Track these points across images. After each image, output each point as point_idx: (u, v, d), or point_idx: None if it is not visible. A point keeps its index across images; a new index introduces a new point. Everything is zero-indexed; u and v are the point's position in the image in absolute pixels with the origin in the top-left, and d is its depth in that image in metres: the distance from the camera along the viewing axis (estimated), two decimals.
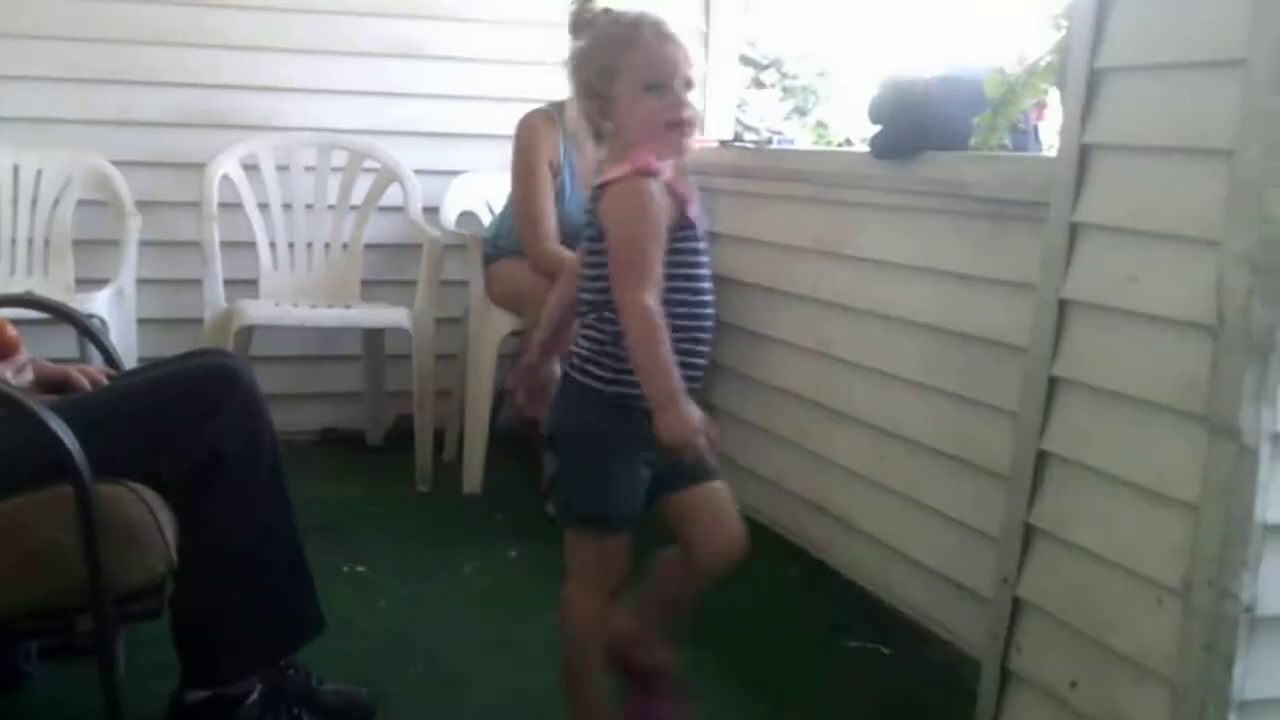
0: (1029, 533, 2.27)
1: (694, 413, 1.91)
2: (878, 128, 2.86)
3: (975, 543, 2.52)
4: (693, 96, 2.05)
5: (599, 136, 2.11)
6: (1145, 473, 2.01)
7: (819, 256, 3.21)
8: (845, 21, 9.65)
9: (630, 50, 2.06)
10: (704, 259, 2.09)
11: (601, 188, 2.04)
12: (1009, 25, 2.63)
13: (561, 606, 2.14)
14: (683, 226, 2.02)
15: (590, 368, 2.05)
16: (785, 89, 10.12)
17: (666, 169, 2.02)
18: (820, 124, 4.22)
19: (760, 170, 3.58)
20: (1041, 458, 2.24)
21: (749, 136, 4.05)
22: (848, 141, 3.74)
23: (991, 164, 2.56)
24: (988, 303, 2.54)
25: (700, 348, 2.09)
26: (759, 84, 10.12)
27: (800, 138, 4.10)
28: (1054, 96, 2.52)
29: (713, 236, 3.78)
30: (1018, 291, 2.38)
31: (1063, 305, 2.20)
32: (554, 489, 2.16)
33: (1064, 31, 2.41)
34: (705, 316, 2.09)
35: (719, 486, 2.17)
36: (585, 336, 2.07)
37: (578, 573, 2.12)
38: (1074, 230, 2.19)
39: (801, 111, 9.14)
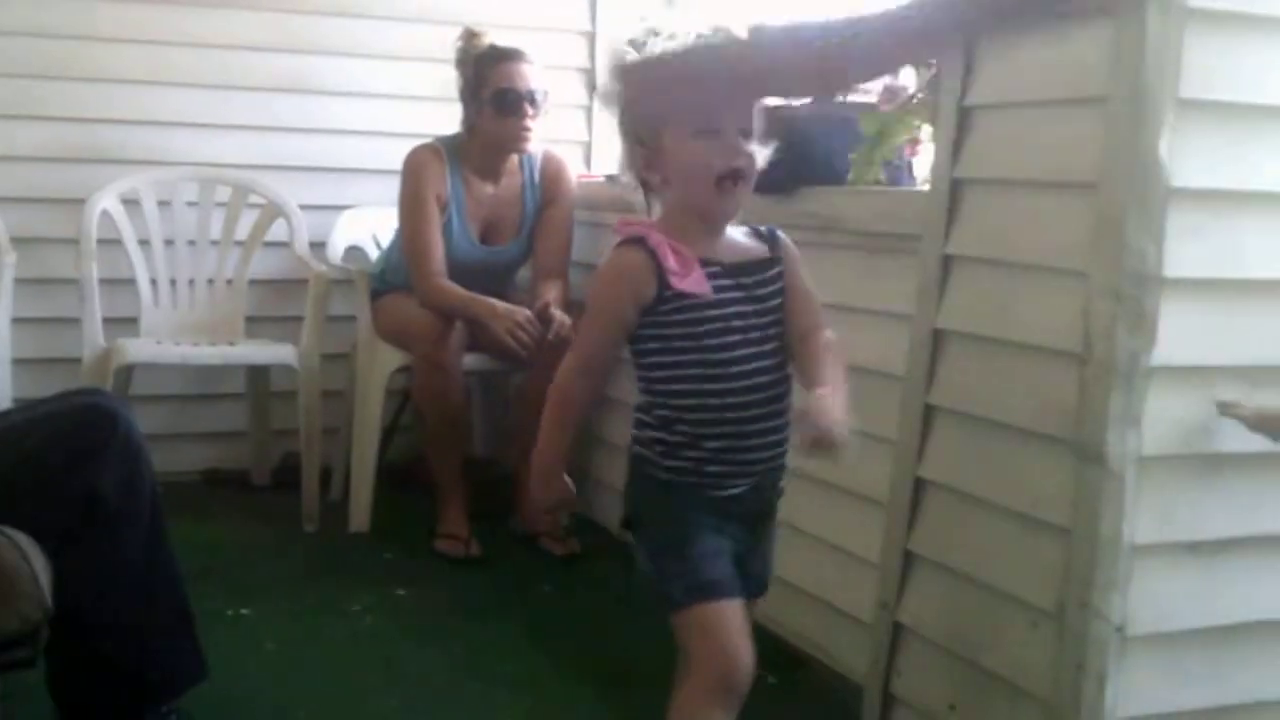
0: (908, 559, 2.32)
1: (556, 486, 1.98)
2: None
3: (857, 569, 2.56)
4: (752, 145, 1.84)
5: (646, 188, 1.92)
6: (1018, 498, 2.06)
7: None
8: None
9: (675, 87, 1.84)
10: (722, 333, 1.84)
11: None
12: None
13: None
14: (665, 300, 1.82)
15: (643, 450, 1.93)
16: None
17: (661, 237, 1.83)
18: None
19: (639, 206, 3.60)
20: (919, 484, 2.30)
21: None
22: None
23: (867, 198, 2.62)
24: (865, 333, 2.58)
25: (735, 429, 1.85)
26: None
27: None
28: (927, 132, 2.58)
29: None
30: (894, 322, 2.44)
31: (937, 335, 2.26)
32: (647, 579, 1.92)
33: (935, 69, 2.48)
34: (733, 393, 1.84)
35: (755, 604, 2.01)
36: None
37: (695, 671, 1.86)
38: (947, 262, 2.26)
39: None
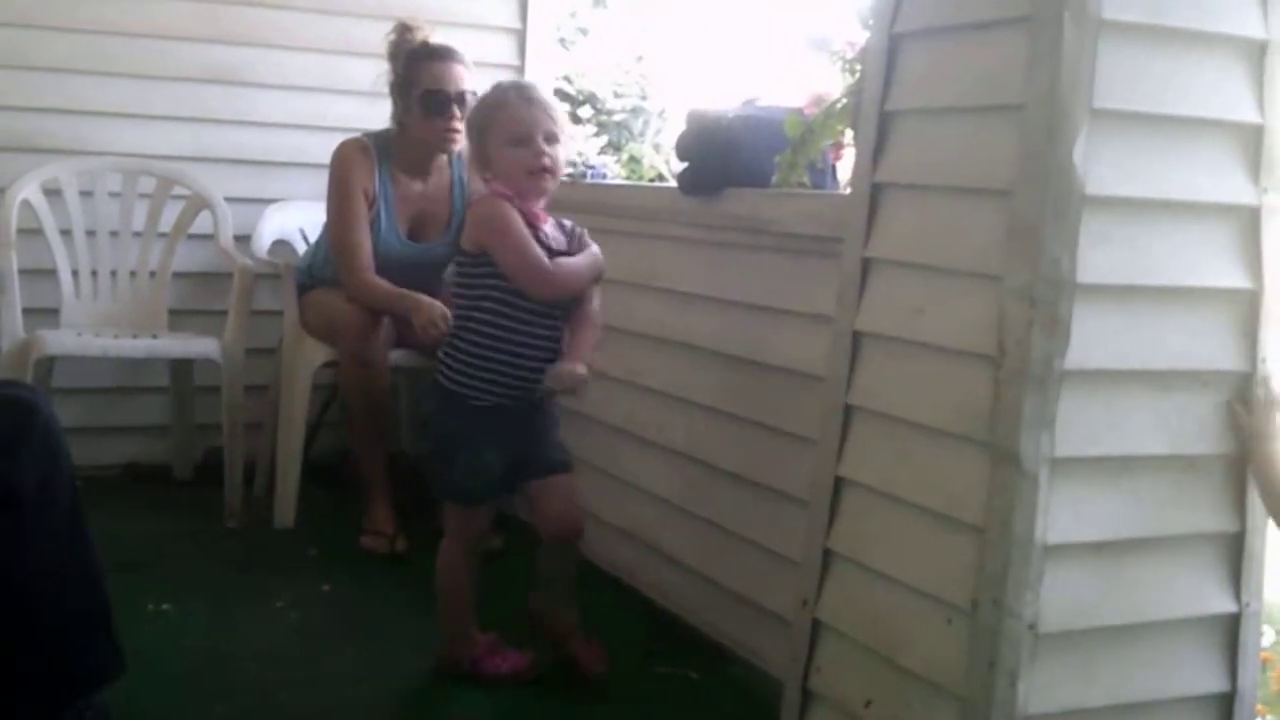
0: (828, 557, 2.34)
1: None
2: (685, 164, 2.94)
3: (778, 567, 2.59)
4: (557, 149, 2.57)
5: (486, 183, 2.64)
6: (934, 497, 2.10)
7: (629, 288, 3.26)
8: (658, 58, 9.84)
9: (499, 113, 2.58)
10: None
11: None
12: (806, 68, 2.73)
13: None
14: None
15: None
16: (600, 124, 10.27)
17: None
18: (633, 159, 4.28)
19: (574, 204, 3.59)
20: (839, 484, 2.32)
21: (565, 170, 4.09)
22: (660, 177, 3.82)
23: (790, 201, 2.65)
24: (788, 334, 2.62)
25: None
26: (575, 119, 10.25)
27: (615, 172, 4.15)
28: (850, 136, 2.62)
29: None
30: (816, 323, 2.47)
31: (857, 336, 2.29)
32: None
33: (858, 75, 2.52)
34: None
35: (564, 478, 2.67)
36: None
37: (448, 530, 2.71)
38: (866, 265, 2.29)
39: (616, 146, 9.27)
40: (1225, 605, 2.07)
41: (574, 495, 2.70)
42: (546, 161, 2.54)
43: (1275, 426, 2.00)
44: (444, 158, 3.68)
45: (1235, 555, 2.06)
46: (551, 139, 2.56)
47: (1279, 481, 1.96)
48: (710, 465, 2.88)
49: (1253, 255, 1.99)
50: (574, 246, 2.66)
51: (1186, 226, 2.00)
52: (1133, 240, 1.96)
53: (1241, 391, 2.02)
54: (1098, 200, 1.91)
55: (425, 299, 3.43)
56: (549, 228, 2.62)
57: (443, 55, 3.58)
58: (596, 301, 2.69)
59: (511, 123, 2.55)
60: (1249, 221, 1.99)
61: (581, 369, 2.55)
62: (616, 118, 10.38)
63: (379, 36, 3.67)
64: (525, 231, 2.53)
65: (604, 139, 10.16)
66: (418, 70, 3.57)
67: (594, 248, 2.70)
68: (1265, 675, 2.45)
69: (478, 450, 2.56)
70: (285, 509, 3.64)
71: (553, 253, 2.58)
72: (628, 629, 3.07)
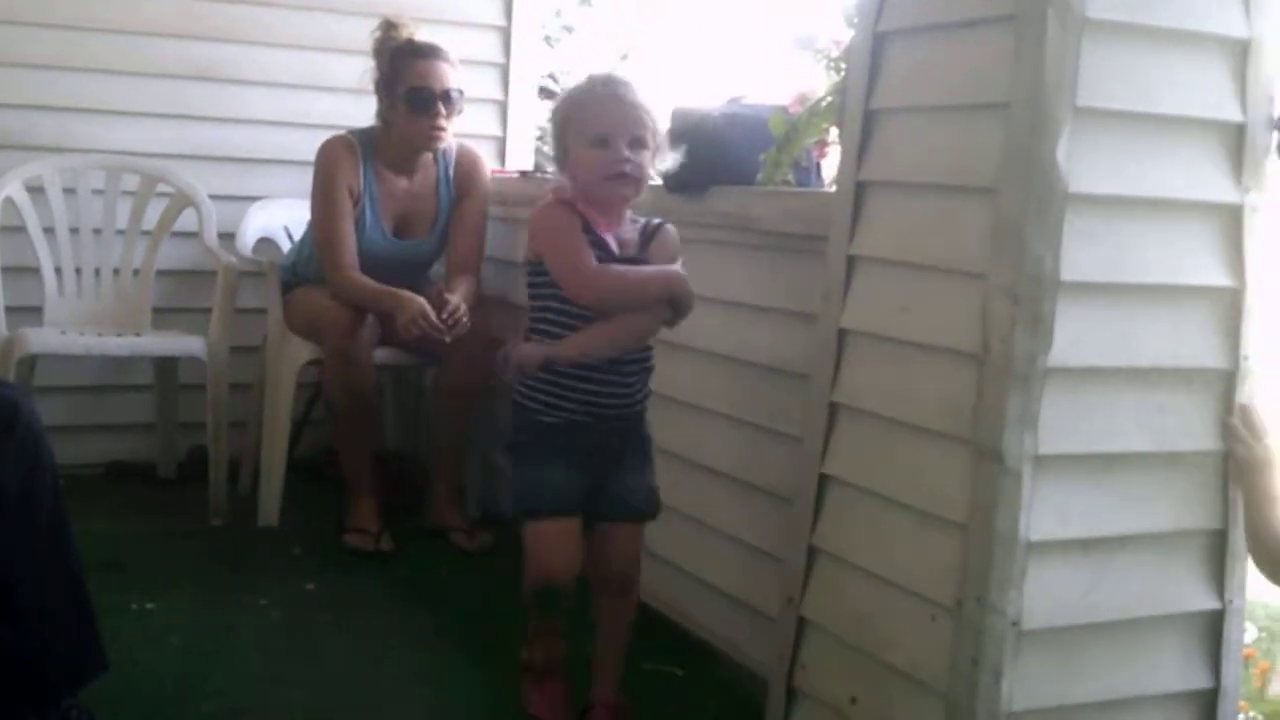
0: (812, 554, 2.35)
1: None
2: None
3: (763, 565, 2.59)
4: (643, 156, 2.33)
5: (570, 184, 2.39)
6: (918, 495, 2.10)
7: None
8: (643, 56, 9.83)
9: (580, 110, 2.35)
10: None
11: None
12: (791, 66, 2.73)
13: None
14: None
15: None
16: None
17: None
18: None
19: None
20: (823, 481, 2.33)
21: (550, 168, 4.09)
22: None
23: (776, 199, 2.65)
24: (773, 332, 2.62)
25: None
26: None
27: None
28: (835, 134, 2.62)
29: (513, 266, 3.83)
30: (801, 321, 2.47)
31: (841, 334, 2.30)
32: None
33: (842, 74, 2.52)
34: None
35: (633, 529, 2.46)
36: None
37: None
38: (851, 263, 2.29)
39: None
40: (1208, 602, 2.08)
41: (635, 546, 2.46)
42: (627, 168, 2.29)
43: (1266, 454, 2.01)
44: (429, 155, 3.68)
45: (1219, 552, 2.07)
46: (638, 144, 2.31)
47: (1263, 520, 1.97)
48: (696, 463, 2.88)
49: (1235, 253, 2.00)
50: (654, 256, 2.41)
51: (1169, 224, 2.01)
52: (1116, 238, 1.96)
53: (1239, 416, 2.04)
54: (1081, 198, 1.92)
55: (408, 296, 3.42)
56: (626, 234, 2.39)
57: (428, 53, 3.57)
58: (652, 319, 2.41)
59: (594, 121, 2.31)
60: (1231, 220, 2.00)
61: (535, 353, 2.35)
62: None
63: (364, 33, 3.66)
64: (576, 236, 2.31)
65: None
66: (403, 67, 3.57)
67: (676, 263, 2.43)
68: (1248, 671, 2.46)
69: (546, 463, 2.36)
70: (269, 507, 3.63)
71: (615, 260, 2.35)
72: None
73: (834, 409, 2.32)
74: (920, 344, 2.10)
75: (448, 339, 3.38)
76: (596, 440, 2.38)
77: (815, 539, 2.34)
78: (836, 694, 2.26)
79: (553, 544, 2.37)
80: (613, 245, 2.35)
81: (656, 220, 2.45)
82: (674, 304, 2.39)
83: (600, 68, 2.54)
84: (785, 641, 2.39)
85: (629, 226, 2.41)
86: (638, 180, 2.32)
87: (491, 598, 3.23)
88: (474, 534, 3.57)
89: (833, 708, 2.27)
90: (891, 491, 2.16)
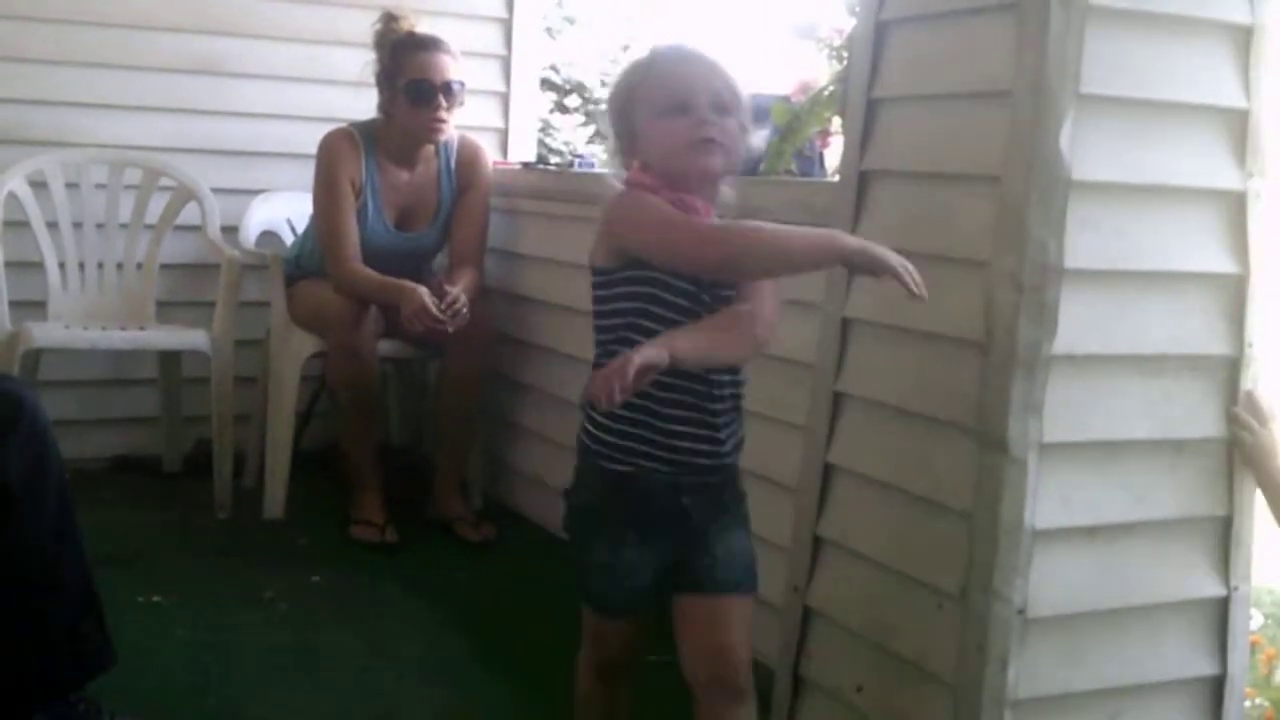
0: (818, 543, 2.35)
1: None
2: None
3: (768, 554, 2.56)
4: (729, 122, 1.86)
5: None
6: (923, 483, 2.10)
7: None
8: (647, 46, 9.84)
9: (646, 77, 1.92)
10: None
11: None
12: (793, 55, 2.73)
13: None
14: None
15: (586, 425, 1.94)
16: (588, 113, 10.28)
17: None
18: None
19: (563, 193, 3.62)
20: (828, 470, 2.33)
21: (553, 160, 4.10)
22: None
23: (779, 188, 2.64)
24: (779, 322, 2.61)
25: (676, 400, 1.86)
26: (562, 108, 10.24)
27: (603, 162, 4.14)
28: (838, 124, 2.62)
29: (516, 257, 3.83)
30: (805, 311, 2.46)
31: (845, 323, 2.30)
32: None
33: (844, 63, 2.52)
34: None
35: (731, 602, 1.96)
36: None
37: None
38: None
39: (604, 136, 9.28)
40: (1214, 589, 2.08)
41: (733, 634, 1.95)
42: (714, 132, 1.84)
43: (1272, 440, 2.01)
44: (431, 147, 3.68)
45: (1224, 539, 2.07)
46: (722, 107, 1.85)
47: None
48: None
49: (1239, 239, 2.00)
50: None
51: (1173, 211, 2.00)
52: (1119, 225, 1.96)
53: (1244, 403, 2.03)
54: (1084, 186, 1.91)
55: (411, 287, 3.42)
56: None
57: (429, 45, 3.57)
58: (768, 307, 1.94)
59: (663, 85, 1.88)
60: (1235, 206, 2.00)
61: (652, 356, 1.74)
62: (604, 107, 10.40)
63: (365, 26, 3.66)
64: (666, 205, 1.84)
65: (592, 128, 10.19)
66: (403, 60, 3.57)
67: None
68: (1254, 658, 2.46)
69: (617, 540, 1.90)
70: (275, 500, 3.64)
71: None
72: None
73: (838, 398, 2.32)
74: (924, 332, 2.10)
75: (450, 330, 3.38)
76: (678, 502, 1.89)
77: (821, 528, 2.34)
78: (842, 682, 2.26)
79: (616, 639, 2.05)
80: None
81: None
82: (850, 264, 1.87)
83: (649, 44, 2.02)
84: (791, 631, 2.39)
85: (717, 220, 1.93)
86: (727, 149, 1.87)
87: (496, 589, 3.24)
88: (479, 525, 3.57)
89: (839, 696, 2.28)
90: (896, 480, 2.16)
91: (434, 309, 3.36)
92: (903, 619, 2.14)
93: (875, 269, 1.79)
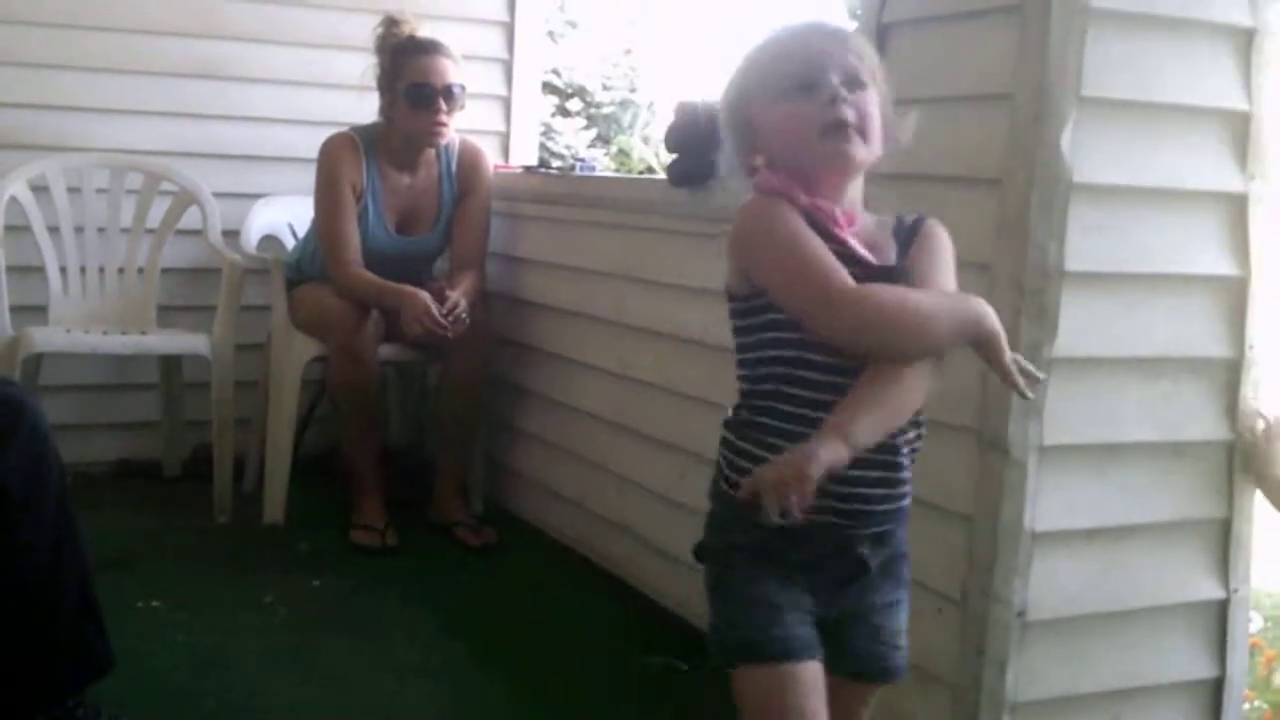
0: None
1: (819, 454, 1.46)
2: (674, 156, 2.94)
3: None
4: (865, 97, 1.57)
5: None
6: (923, 485, 2.07)
7: (621, 280, 3.26)
8: (647, 51, 9.85)
9: (759, 57, 1.63)
10: None
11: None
12: None
13: None
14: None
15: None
16: (590, 117, 10.31)
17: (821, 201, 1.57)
18: (622, 151, 4.28)
19: (564, 196, 3.62)
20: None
21: (555, 163, 4.09)
22: (649, 169, 3.82)
23: None
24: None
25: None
26: (564, 112, 10.28)
27: (604, 165, 4.15)
28: None
29: (518, 262, 3.83)
30: None
31: None
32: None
33: None
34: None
35: (870, 691, 1.72)
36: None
37: None
38: None
39: (605, 139, 9.30)
40: (1214, 591, 2.08)
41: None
42: (847, 112, 1.55)
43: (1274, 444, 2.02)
44: (432, 151, 3.68)
45: (1223, 541, 2.07)
46: (855, 82, 1.57)
47: None
48: (701, 457, 2.86)
49: (1240, 242, 2.00)
50: (920, 267, 1.61)
51: (1174, 214, 2.00)
52: (1121, 228, 1.96)
53: (1248, 419, 2.04)
54: (1086, 188, 1.92)
55: (411, 291, 3.42)
56: (866, 229, 1.62)
57: (429, 49, 3.57)
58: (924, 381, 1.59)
59: (782, 61, 1.59)
60: (1237, 208, 2.00)
61: (832, 453, 1.46)
62: (605, 111, 10.42)
63: (366, 30, 3.66)
64: (807, 240, 1.54)
65: (593, 132, 10.22)
66: (404, 63, 3.57)
67: (950, 276, 1.65)
68: (1253, 661, 2.46)
69: (761, 579, 1.60)
70: (275, 505, 3.63)
71: (866, 271, 1.56)
72: (619, 622, 3.07)
73: None
74: None
75: (450, 334, 3.38)
76: (843, 550, 1.61)
77: None
78: None
79: (794, 704, 1.58)
80: (859, 250, 1.58)
81: (914, 215, 1.69)
82: (980, 344, 1.58)
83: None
84: None
85: (869, 221, 1.65)
86: (865, 131, 1.57)
87: (497, 594, 3.24)
88: (479, 529, 3.57)
89: None
90: None
91: (435, 313, 3.37)
92: None
93: (995, 359, 1.59)
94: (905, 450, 1.59)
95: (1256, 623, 2.65)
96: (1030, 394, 1.60)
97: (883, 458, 1.56)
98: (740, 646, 1.61)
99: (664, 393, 3.05)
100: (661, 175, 3.09)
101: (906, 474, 1.61)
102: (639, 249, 3.20)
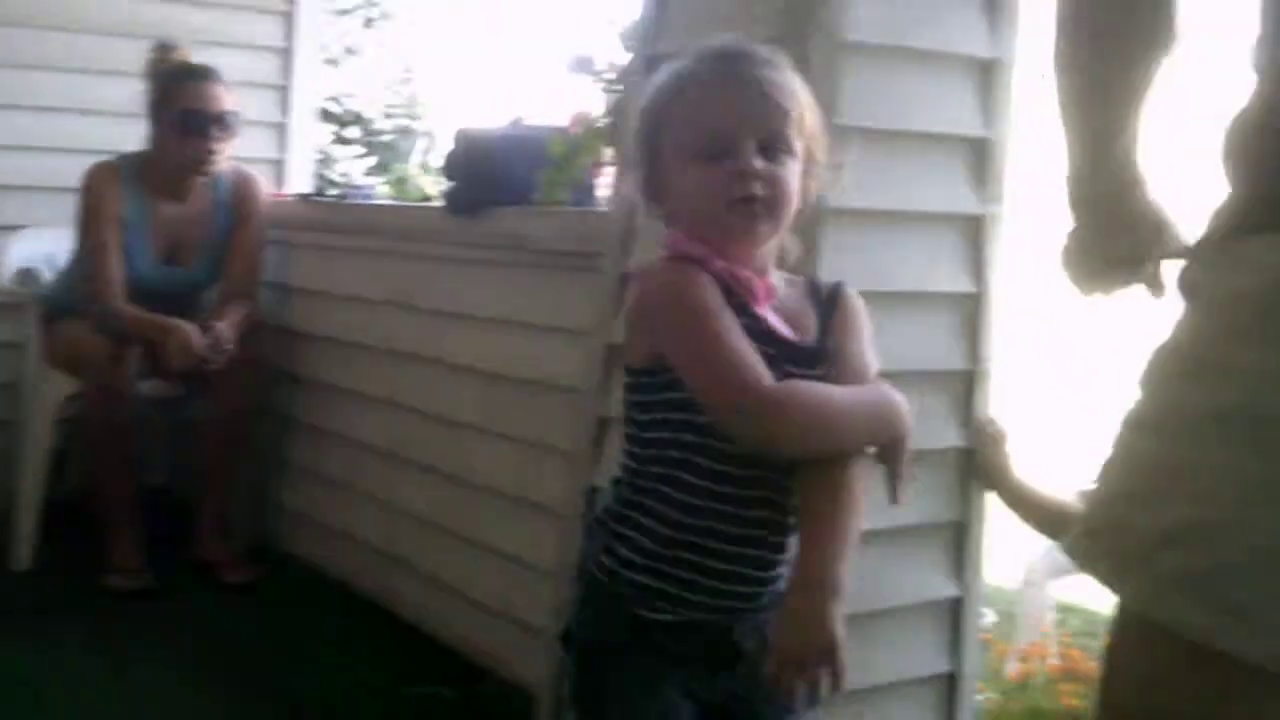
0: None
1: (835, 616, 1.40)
2: (452, 183, 2.94)
3: (534, 580, 2.58)
4: (786, 165, 1.46)
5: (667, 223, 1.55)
6: None
7: (394, 309, 3.23)
8: (428, 79, 9.86)
9: (677, 101, 1.49)
10: None
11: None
12: (571, 88, 2.77)
13: None
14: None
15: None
16: (369, 145, 10.23)
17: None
18: (400, 179, 4.25)
19: (340, 224, 3.58)
20: (593, 493, 2.33)
21: (331, 191, 4.04)
22: (427, 197, 3.80)
23: (553, 219, 2.67)
24: (546, 349, 2.63)
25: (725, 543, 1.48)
26: (342, 140, 10.17)
27: (383, 193, 4.11)
28: (610, 154, 2.66)
29: (292, 291, 3.76)
30: (574, 338, 2.48)
31: (611, 349, 2.31)
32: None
33: (618, 94, 2.56)
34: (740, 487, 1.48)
35: None
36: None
37: None
38: (624, 279, 2.31)
39: (384, 167, 9.25)
40: (949, 590, 2.15)
41: None
42: (756, 188, 1.44)
43: (1007, 458, 2.11)
44: (203, 180, 3.58)
45: (958, 542, 2.15)
46: (774, 147, 1.46)
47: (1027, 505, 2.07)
48: (469, 482, 2.87)
49: (976, 261, 2.10)
50: (839, 340, 1.55)
51: (920, 235, 2.09)
52: (869, 248, 2.03)
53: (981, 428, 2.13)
54: (838, 212, 1.98)
55: (175, 324, 3.31)
56: (784, 298, 1.53)
57: (200, 75, 3.49)
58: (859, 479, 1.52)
59: (697, 116, 1.47)
60: (974, 229, 2.10)
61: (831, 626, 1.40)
62: (385, 138, 10.36)
63: (136, 55, 3.55)
64: (719, 311, 1.44)
65: (373, 160, 10.14)
66: (175, 90, 3.47)
67: (866, 344, 1.60)
68: (986, 654, 2.56)
69: (653, 678, 1.50)
70: (23, 550, 3.44)
71: (786, 351, 1.49)
72: (382, 652, 3.00)
73: (603, 423, 2.33)
74: None
75: (214, 367, 3.29)
76: (730, 641, 1.53)
77: None
78: None
79: None
80: (781, 328, 1.49)
81: (831, 281, 1.61)
82: (889, 448, 1.54)
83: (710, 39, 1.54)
84: (556, 655, 2.37)
85: (783, 285, 1.55)
86: (774, 205, 1.46)
87: (258, 632, 3.13)
88: (242, 567, 3.46)
89: None
90: None
91: (198, 345, 3.27)
92: None
93: (893, 461, 1.55)
94: (790, 531, 1.52)
95: (988, 618, 2.77)
96: (903, 500, 1.56)
97: (767, 550, 1.50)
98: None
99: (435, 420, 3.02)
100: (439, 203, 3.08)
101: (787, 557, 1.52)
102: (414, 276, 3.17)
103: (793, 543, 1.50)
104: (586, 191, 2.76)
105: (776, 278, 1.54)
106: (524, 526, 2.65)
